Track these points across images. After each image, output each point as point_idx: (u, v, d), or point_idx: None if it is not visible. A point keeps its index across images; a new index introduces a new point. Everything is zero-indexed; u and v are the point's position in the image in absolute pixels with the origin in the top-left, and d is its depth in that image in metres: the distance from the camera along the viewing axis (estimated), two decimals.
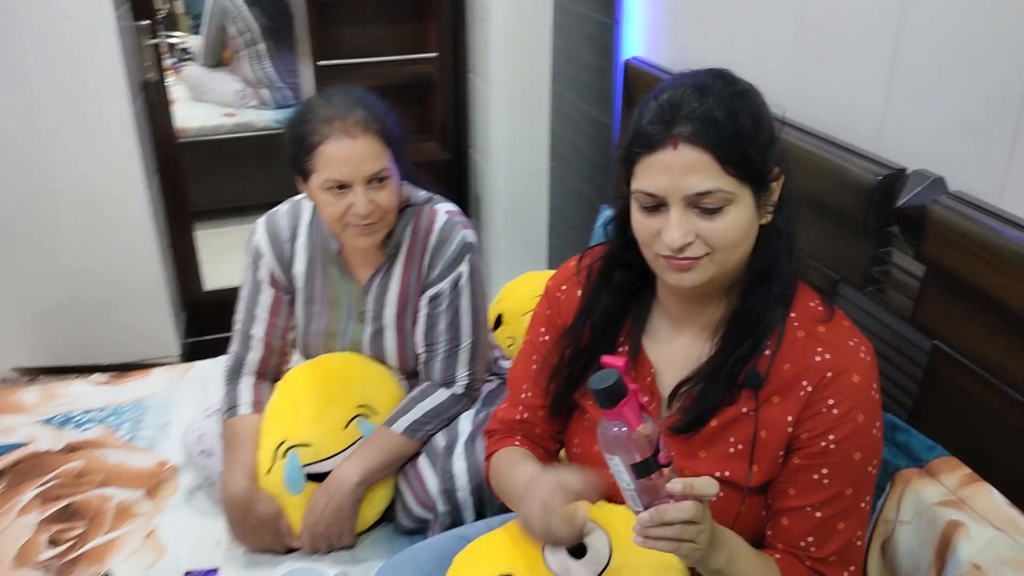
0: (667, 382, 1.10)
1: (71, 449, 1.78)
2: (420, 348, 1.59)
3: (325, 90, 1.49)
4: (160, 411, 1.92)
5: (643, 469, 0.86)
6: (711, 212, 0.94)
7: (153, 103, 2.75)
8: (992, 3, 1.12)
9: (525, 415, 1.24)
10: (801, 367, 1.01)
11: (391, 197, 1.46)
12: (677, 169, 0.93)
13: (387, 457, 1.50)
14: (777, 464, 1.04)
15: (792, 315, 1.03)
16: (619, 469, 0.88)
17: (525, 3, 2.61)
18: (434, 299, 1.56)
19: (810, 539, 1.02)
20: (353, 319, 1.61)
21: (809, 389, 1.00)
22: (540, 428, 1.24)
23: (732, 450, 1.05)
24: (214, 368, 2.08)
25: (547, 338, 1.20)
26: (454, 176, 3.09)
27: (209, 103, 4.19)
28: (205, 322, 3.07)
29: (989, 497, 1.07)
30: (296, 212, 1.63)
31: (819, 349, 1.01)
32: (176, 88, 4.17)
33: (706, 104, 0.93)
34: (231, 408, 1.59)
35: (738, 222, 0.95)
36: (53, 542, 1.54)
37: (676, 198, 0.94)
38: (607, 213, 2.08)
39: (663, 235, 0.95)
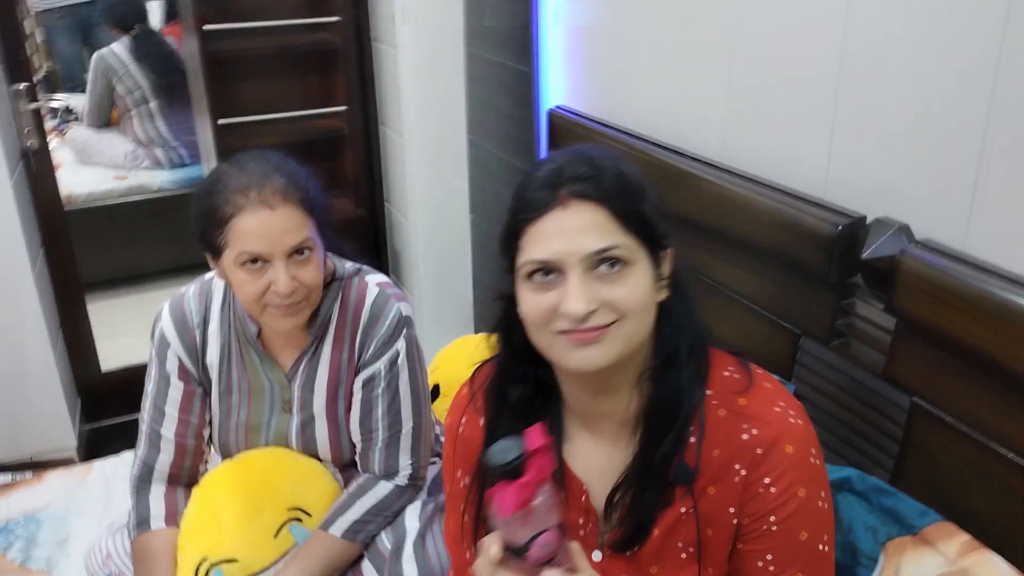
0: (599, 494, 0.99)
1: None
2: (356, 437, 1.43)
3: (236, 156, 1.33)
4: (57, 524, 1.69)
5: (511, 550, 0.81)
6: (612, 276, 0.87)
7: (35, 172, 2.53)
8: (943, 40, 1.07)
9: None
10: (730, 450, 0.91)
11: (315, 273, 1.31)
12: (570, 230, 0.86)
13: (327, 565, 1.32)
14: (728, 561, 0.94)
15: (709, 393, 0.94)
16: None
17: (435, 53, 2.52)
18: (368, 382, 1.40)
19: None
20: (277, 409, 1.44)
21: (743, 473, 0.91)
22: None
23: (684, 555, 0.94)
24: (116, 468, 1.88)
25: (467, 481, 1.06)
26: (370, 233, 2.96)
27: (98, 166, 3.94)
28: (104, 406, 2.83)
29: (994, 566, 0.99)
30: (206, 293, 1.45)
31: (744, 426, 0.91)
32: (61, 151, 3.92)
33: (592, 163, 0.89)
34: (141, 523, 1.39)
35: (641, 285, 0.88)
36: None
37: (573, 261, 0.86)
38: None
39: (563, 305, 0.85)
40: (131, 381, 2.81)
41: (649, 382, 0.94)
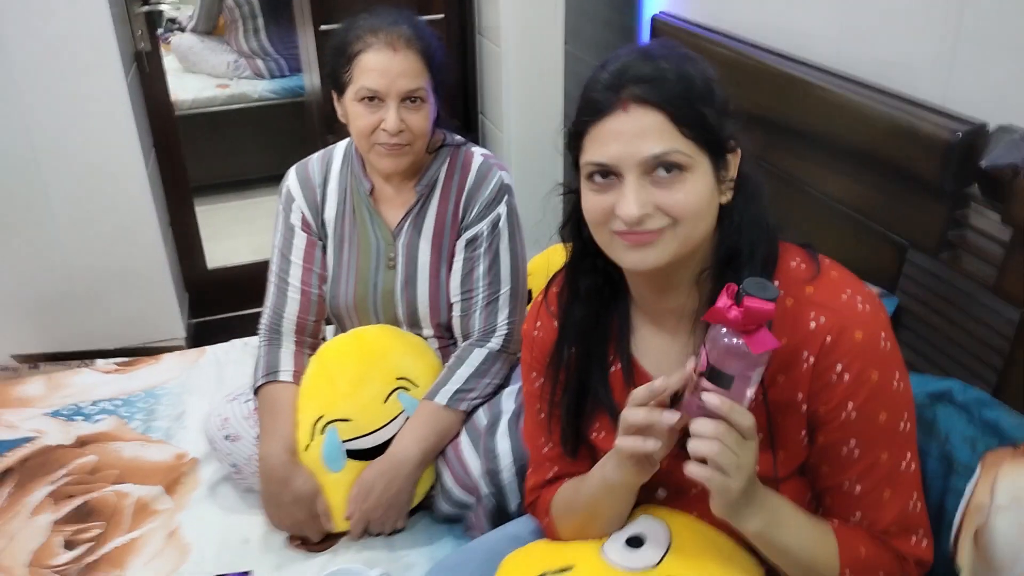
0: None
1: (82, 443, 1.68)
2: (456, 297, 1.52)
3: (373, 7, 1.44)
4: (174, 400, 1.82)
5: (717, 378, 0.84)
6: (668, 181, 0.88)
7: (147, 74, 2.62)
8: None
9: (555, 469, 1.14)
10: (798, 338, 0.92)
11: (423, 122, 1.41)
12: (629, 134, 0.87)
13: (438, 432, 1.42)
14: (802, 446, 0.96)
15: (776, 283, 0.95)
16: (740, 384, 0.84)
17: None
18: (471, 242, 1.50)
19: (858, 515, 0.96)
20: (383, 266, 1.54)
21: (811, 360, 0.92)
22: (578, 474, 1.12)
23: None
24: (227, 353, 1.99)
25: (541, 381, 1.11)
26: None
27: (201, 74, 4.05)
28: (210, 301, 2.97)
29: None
30: (327, 158, 1.58)
31: (812, 314, 0.92)
32: (166, 59, 4.03)
33: (655, 66, 0.88)
34: (271, 372, 1.50)
35: (698, 191, 0.89)
36: (69, 544, 1.44)
37: (630, 164, 0.87)
38: None
39: (618, 208, 0.88)
40: (235, 279, 2.98)
41: (709, 280, 0.96)
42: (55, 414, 1.78)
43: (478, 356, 1.48)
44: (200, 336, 2.86)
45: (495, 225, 1.50)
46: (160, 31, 4.34)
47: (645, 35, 2.08)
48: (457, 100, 2.92)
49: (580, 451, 1.09)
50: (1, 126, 2.27)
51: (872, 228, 1.35)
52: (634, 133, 0.87)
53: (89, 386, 1.89)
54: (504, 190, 1.51)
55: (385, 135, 1.38)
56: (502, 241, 1.50)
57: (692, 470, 0.84)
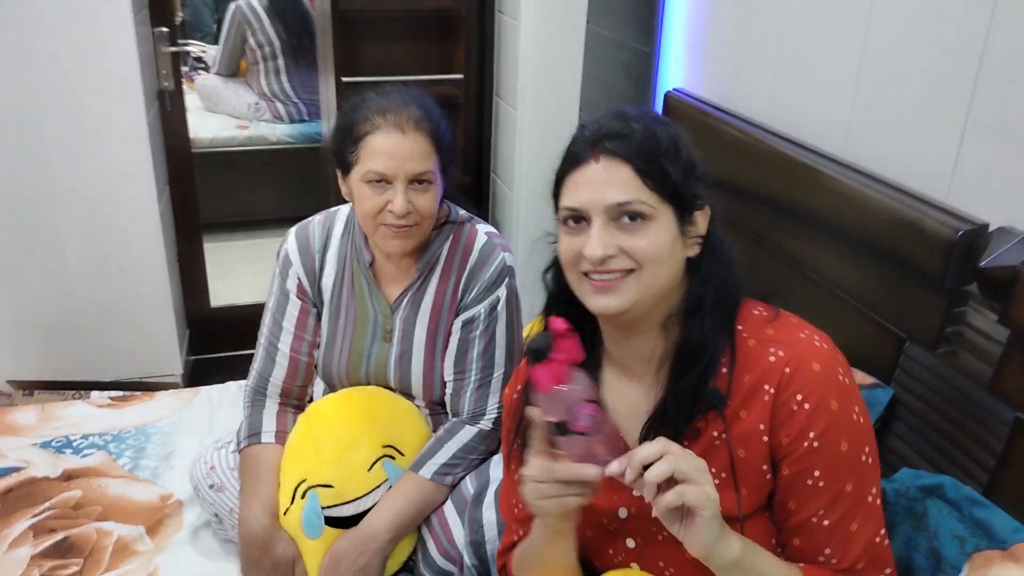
0: (634, 432, 1.05)
1: (68, 476, 1.67)
2: (449, 376, 1.51)
3: (382, 86, 1.45)
4: (164, 439, 1.81)
5: (558, 431, 0.90)
6: (632, 227, 0.96)
7: (168, 112, 2.67)
8: None
9: (521, 532, 1.14)
10: (758, 373, 0.98)
11: (431, 204, 1.40)
12: (598, 182, 0.96)
13: (417, 506, 1.40)
14: (765, 480, 0.99)
15: (739, 328, 1.01)
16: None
17: (556, 28, 2.54)
18: (468, 323, 1.48)
19: (828, 551, 0.97)
20: (379, 338, 1.52)
21: (772, 391, 0.97)
22: None
23: (716, 481, 0.96)
24: (221, 395, 1.98)
25: (518, 443, 1.11)
26: (473, 201, 3.01)
27: (222, 114, 4.11)
28: (210, 339, 2.98)
29: None
30: (329, 222, 1.56)
31: (771, 349, 0.98)
32: (188, 97, 4.09)
33: (627, 124, 0.98)
34: (253, 434, 1.49)
35: (659, 238, 0.97)
36: None
37: (597, 210, 0.95)
38: None
39: (584, 249, 0.95)
40: (238, 318, 2.97)
41: (676, 327, 1.02)
42: (44, 445, 1.77)
43: (467, 433, 1.47)
44: (197, 374, 2.86)
45: (493, 308, 1.47)
46: (185, 68, 4.47)
47: (658, 109, 2.12)
48: (471, 156, 2.96)
49: None
50: (20, 154, 2.32)
51: (871, 318, 1.35)
52: (603, 182, 0.96)
53: (81, 419, 1.88)
54: (506, 272, 1.49)
55: (392, 216, 1.36)
56: (499, 324, 1.48)
57: (666, 499, 0.84)
